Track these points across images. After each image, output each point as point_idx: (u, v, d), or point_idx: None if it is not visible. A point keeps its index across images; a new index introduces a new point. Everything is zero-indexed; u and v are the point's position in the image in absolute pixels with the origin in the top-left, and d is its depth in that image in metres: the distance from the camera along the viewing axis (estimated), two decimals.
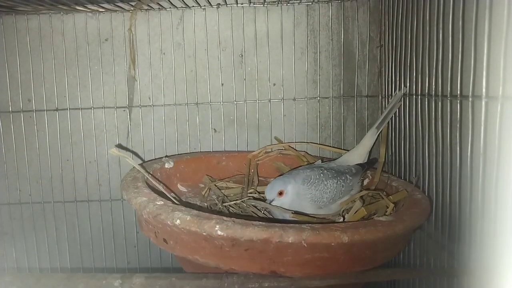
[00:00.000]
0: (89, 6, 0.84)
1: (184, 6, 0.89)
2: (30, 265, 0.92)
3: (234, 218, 0.50)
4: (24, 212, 0.92)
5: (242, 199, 0.74)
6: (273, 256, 0.51)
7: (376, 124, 0.79)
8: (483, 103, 0.51)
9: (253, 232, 0.48)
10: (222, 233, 0.49)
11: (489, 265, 0.50)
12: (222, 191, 0.79)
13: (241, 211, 0.72)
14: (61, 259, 0.93)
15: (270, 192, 0.68)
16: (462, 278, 0.57)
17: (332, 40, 0.92)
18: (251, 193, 0.78)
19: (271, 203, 0.67)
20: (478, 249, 0.53)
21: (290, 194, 0.67)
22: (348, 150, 0.83)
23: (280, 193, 0.67)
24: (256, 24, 0.91)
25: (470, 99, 0.54)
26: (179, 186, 0.81)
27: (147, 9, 0.89)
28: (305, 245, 0.48)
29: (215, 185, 0.80)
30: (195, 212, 0.52)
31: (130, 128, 0.93)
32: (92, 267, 0.94)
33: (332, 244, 0.49)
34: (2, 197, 0.92)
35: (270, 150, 0.88)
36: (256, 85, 0.92)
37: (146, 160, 0.91)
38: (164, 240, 0.56)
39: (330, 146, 0.92)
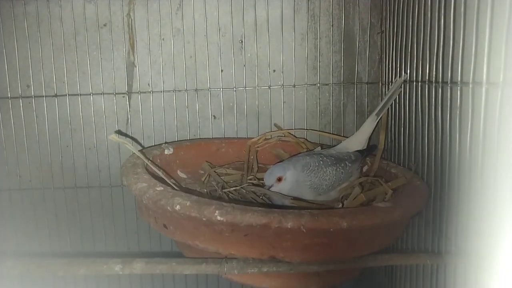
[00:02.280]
0: None
1: None
2: (31, 250, 0.93)
3: (234, 204, 0.51)
4: (25, 198, 0.93)
5: (242, 186, 0.74)
6: (272, 242, 0.51)
7: (376, 111, 0.79)
8: (484, 89, 0.51)
9: (253, 218, 0.48)
10: (221, 219, 0.49)
11: (487, 251, 0.50)
12: (222, 177, 0.79)
13: (241, 197, 0.73)
14: (62, 244, 0.94)
15: (269, 178, 0.68)
16: (460, 264, 0.58)
17: (332, 26, 0.91)
18: (250, 179, 0.79)
19: (270, 189, 0.67)
20: (476, 235, 0.53)
21: (289, 181, 0.67)
22: (347, 137, 0.83)
23: (279, 179, 0.67)
24: (256, 10, 0.90)
25: (470, 85, 0.54)
26: (178, 172, 0.81)
27: None
28: (304, 231, 0.49)
29: (214, 171, 0.80)
30: (195, 197, 0.52)
31: (130, 115, 0.92)
32: (93, 252, 0.95)
33: (331, 229, 0.50)
34: (2, 183, 0.92)
35: (269, 137, 0.88)
36: (256, 71, 0.92)
37: (145, 146, 0.91)
38: (164, 225, 0.57)
39: (330, 133, 0.92)
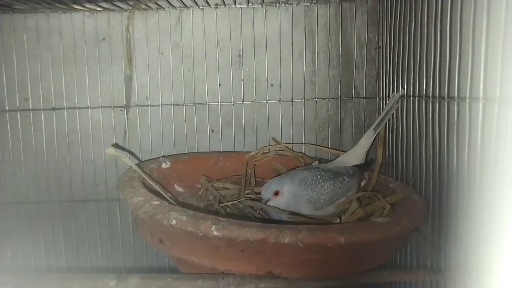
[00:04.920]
0: (87, 5, 0.83)
1: (182, 6, 0.89)
2: (25, 265, 0.92)
3: (231, 219, 0.50)
4: (20, 212, 0.92)
5: (239, 200, 0.74)
6: (270, 257, 0.51)
7: (374, 126, 0.79)
8: (481, 105, 0.51)
9: (250, 233, 0.48)
10: (218, 234, 0.48)
11: (486, 267, 0.50)
12: (219, 191, 0.79)
13: (238, 212, 0.72)
14: (57, 259, 0.92)
15: (265, 192, 0.67)
16: (459, 280, 0.57)
17: (330, 41, 0.92)
18: (248, 193, 0.78)
19: (267, 203, 0.67)
20: (475, 251, 0.53)
21: (286, 195, 0.66)
22: (345, 151, 0.83)
23: (276, 193, 0.66)
24: (254, 25, 0.91)
25: (467, 100, 0.54)
26: (175, 186, 0.81)
27: (145, 8, 0.89)
28: (302, 246, 0.48)
29: (212, 185, 0.80)
30: (191, 212, 0.52)
31: (127, 128, 0.92)
32: (88, 267, 0.93)
33: (329, 245, 0.49)
34: None
35: (267, 151, 0.88)
36: (254, 85, 0.92)
37: (143, 160, 0.91)
38: (160, 240, 0.56)
39: (328, 147, 0.92)
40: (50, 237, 0.92)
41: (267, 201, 0.67)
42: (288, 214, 0.66)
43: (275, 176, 0.75)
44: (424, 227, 0.67)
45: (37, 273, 0.53)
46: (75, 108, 0.91)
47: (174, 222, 0.50)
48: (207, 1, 0.86)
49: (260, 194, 0.72)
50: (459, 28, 0.56)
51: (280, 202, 0.67)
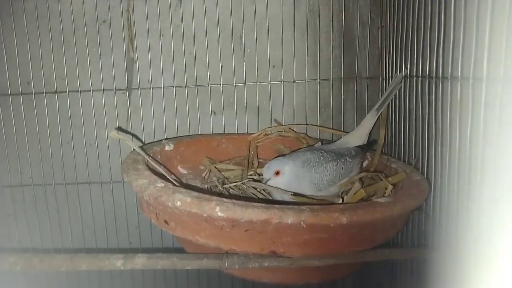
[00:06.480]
0: None
1: None
2: (33, 246, 0.94)
3: (234, 200, 0.51)
4: (26, 194, 0.93)
5: (242, 181, 0.74)
6: (273, 237, 0.51)
7: (376, 106, 0.79)
8: (484, 85, 0.51)
9: (253, 213, 0.49)
10: (222, 215, 0.49)
11: (486, 245, 0.51)
12: (222, 173, 0.79)
13: (241, 193, 0.73)
14: (64, 240, 0.94)
15: (266, 172, 0.68)
16: (459, 258, 0.58)
17: (332, 21, 0.91)
18: (251, 175, 0.79)
19: (267, 183, 0.67)
20: (475, 230, 0.54)
21: (287, 175, 0.67)
22: (348, 132, 0.83)
23: (277, 173, 0.67)
24: (255, 5, 0.90)
25: (470, 81, 0.54)
26: (179, 168, 0.81)
27: None
28: (304, 226, 0.49)
29: (215, 167, 0.81)
30: (195, 194, 0.53)
31: (130, 111, 0.92)
32: (95, 247, 0.95)
33: (331, 225, 0.50)
34: (4, 180, 0.92)
35: (270, 132, 0.88)
36: (256, 67, 0.92)
37: (146, 142, 0.91)
38: (165, 221, 0.57)
39: (330, 128, 0.92)
40: (56, 219, 0.94)
41: (267, 180, 0.67)
42: (291, 194, 0.66)
43: (277, 156, 0.75)
44: (425, 206, 0.68)
45: (45, 254, 0.54)
46: (77, 91, 0.91)
47: (179, 203, 0.51)
48: None
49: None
50: (463, 7, 0.55)
51: (280, 182, 0.67)
